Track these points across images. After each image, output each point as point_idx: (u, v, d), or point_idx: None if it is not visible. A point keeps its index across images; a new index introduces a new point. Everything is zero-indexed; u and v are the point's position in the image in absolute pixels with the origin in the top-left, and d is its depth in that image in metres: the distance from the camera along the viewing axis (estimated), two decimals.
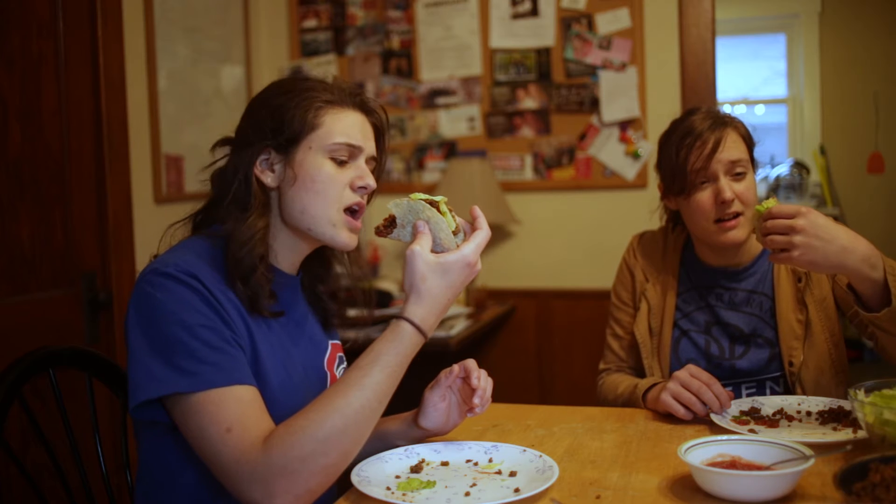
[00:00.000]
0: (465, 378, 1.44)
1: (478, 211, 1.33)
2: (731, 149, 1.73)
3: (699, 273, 1.86)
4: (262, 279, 1.31)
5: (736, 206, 1.71)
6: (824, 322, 1.75)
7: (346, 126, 1.36)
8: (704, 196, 1.73)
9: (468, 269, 1.27)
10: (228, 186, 1.35)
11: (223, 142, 1.44)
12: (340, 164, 1.36)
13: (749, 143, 1.79)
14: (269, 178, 1.36)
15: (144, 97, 2.80)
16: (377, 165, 1.44)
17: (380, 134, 1.44)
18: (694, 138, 1.73)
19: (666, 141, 1.81)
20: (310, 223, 1.36)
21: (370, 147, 1.40)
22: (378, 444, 1.49)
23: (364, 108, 1.41)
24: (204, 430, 1.17)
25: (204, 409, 1.17)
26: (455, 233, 1.31)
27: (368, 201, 1.43)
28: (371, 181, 1.38)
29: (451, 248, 1.29)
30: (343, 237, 1.37)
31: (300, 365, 1.40)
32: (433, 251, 1.28)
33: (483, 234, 1.30)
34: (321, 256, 1.51)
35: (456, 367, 1.46)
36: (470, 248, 1.28)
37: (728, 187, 1.70)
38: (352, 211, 1.37)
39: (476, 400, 1.40)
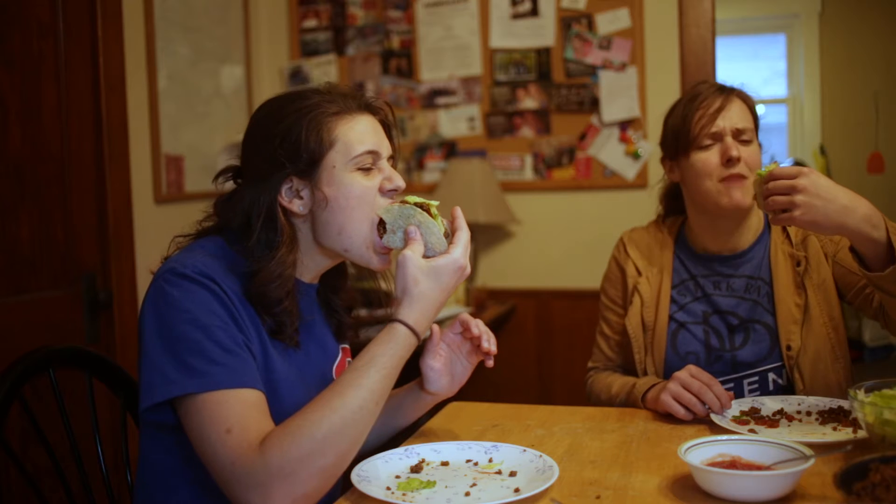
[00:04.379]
0: (464, 332, 1.47)
1: (458, 211, 1.35)
2: (738, 116, 1.75)
3: (695, 262, 1.85)
4: (288, 315, 1.32)
5: (741, 168, 1.71)
6: (823, 306, 1.74)
7: (360, 133, 1.34)
8: (710, 155, 1.73)
9: (459, 272, 1.31)
10: (244, 218, 1.32)
11: (229, 173, 1.41)
12: (367, 172, 1.35)
13: (755, 116, 1.80)
14: (297, 206, 1.34)
15: (144, 97, 2.80)
16: (394, 162, 1.43)
17: (389, 130, 1.43)
18: (700, 100, 1.76)
19: (671, 112, 1.83)
20: (347, 244, 1.35)
21: (386, 147, 1.39)
22: (388, 419, 1.51)
23: (369, 108, 1.40)
24: (204, 430, 1.17)
25: (207, 408, 1.17)
26: (445, 235, 1.34)
27: None
28: (400, 181, 1.38)
29: (442, 252, 1.32)
30: (376, 261, 1.37)
31: (310, 373, 1.40)
32: (425, 255, 1.31)
33: (465, 233, 1.33)
34: (338, 267, 1.50)
35: (436, 330, 1.47)
36: (458, 251, 1.31)
37: (735, 146, 1.71)
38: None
39: (485, 344, 1.44)
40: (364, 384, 1.21)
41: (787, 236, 1.81)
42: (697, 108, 1.75)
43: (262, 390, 1.23)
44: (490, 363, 1.47)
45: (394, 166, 1.42)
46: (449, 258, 1.30)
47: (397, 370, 1.26)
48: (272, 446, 1.14)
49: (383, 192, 1.36)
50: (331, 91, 1.37)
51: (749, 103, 1.80)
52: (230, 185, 1.42)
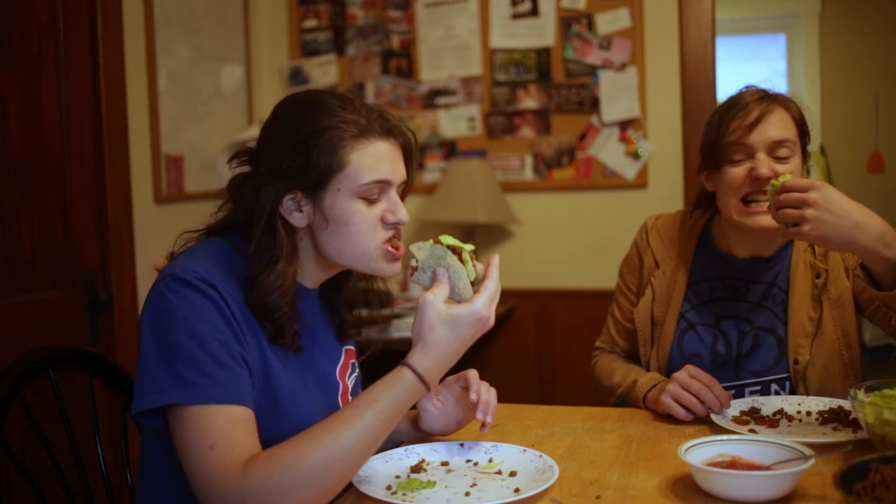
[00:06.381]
0: (465, 388, 1.43)
1: (494, 260, 1.29)
2: (777, 127, 1.63)
3: (718, 263, 1.80)
4: (287, 319, 1.30)
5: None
6: (838, 321, 1.70)
7: (374, 161, 1.29)
8: (738, 171, 1.64)
9: (479, 323, 1.23)
10: (247, 217, 1.30)
11: (242, 157, 1.37)
12: (371, 202, 1.31)
13: (801, 126, 1.69)
14: (296, 219, 1.31)
15: (144, 97, 2.80)
16: (406, 187, 1.39)
17: (408, 155, 1.38)
18: (738, 108, 1.65)
19: (710, 119, 1.73)
20: (349, 263, 1.34)
21: (400, 175, 1.34)
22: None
23: (391, 133, 1.33)
24: (188, 443, 1.16)
25: (193, 421, 1.16)
26: (474, 283, 1.28)
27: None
28: (402, 215, 1.33)
29: (468, 299, 1.26)
30: (386, 269, 1.35)
31: (312, 376, 1.39)
32: (451, 300, 1.26)
33: (493, 283, 1.26)
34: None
35: (452, 377, 1.44)
36: (481, 302, 1.23)
37: (766, 164, 1.61)
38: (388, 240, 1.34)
39: (479, 415, 1.40)
40: (358, 425, 1.17)
41: (811, 245, 1.75)
42: (733, 117, 1.65)
43: (252, 407, 1.22)
44: (485, 431, 1.43)
45: (404, 193, 1.38)
46: (469, 308, 1.22)
47: (398, 415, 1.22)
48: (254, 471, 1.13)
49: (385, 223, 1.33)
50: (355, 107, 1.31)
51: (793, 112, 1.68)
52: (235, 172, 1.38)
